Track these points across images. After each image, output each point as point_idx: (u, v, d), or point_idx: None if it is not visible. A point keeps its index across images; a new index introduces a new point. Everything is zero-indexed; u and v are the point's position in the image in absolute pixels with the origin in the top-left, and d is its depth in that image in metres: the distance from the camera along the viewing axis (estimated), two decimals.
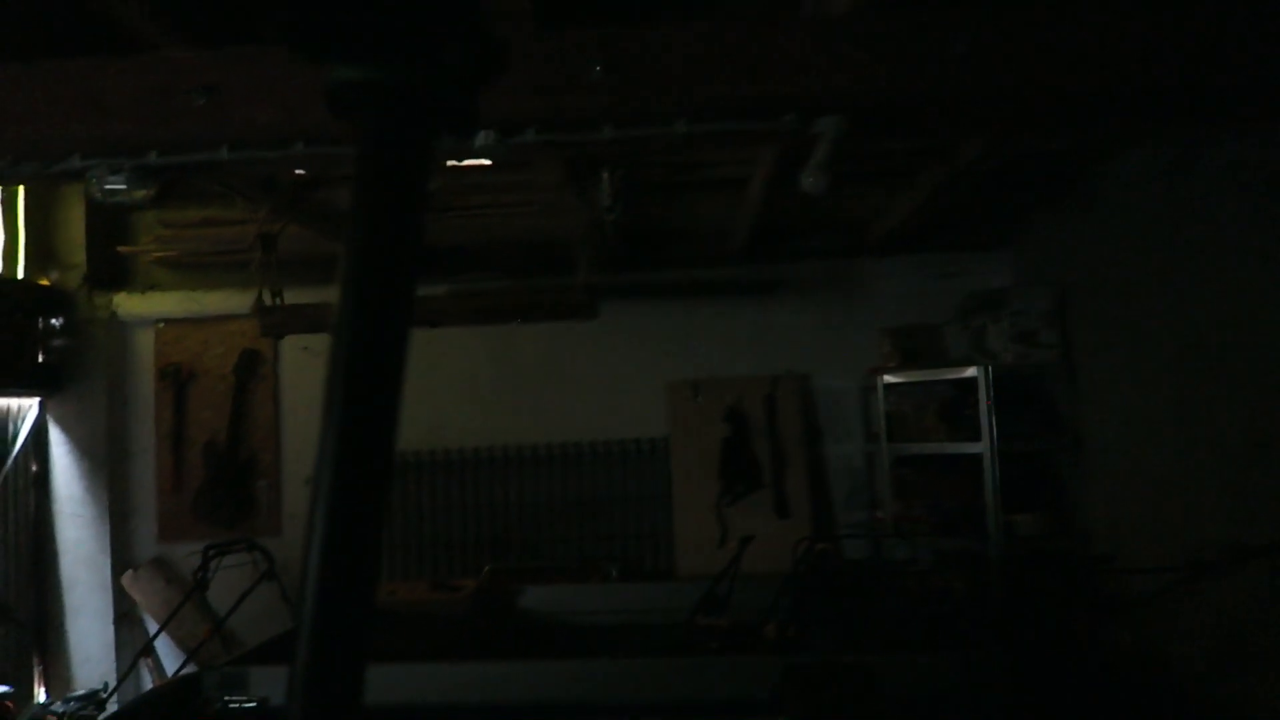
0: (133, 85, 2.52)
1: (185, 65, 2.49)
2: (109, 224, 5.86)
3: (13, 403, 5.59)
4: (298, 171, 4.19)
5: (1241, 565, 3.28)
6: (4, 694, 4.90)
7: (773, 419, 5.80)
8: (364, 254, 0.53)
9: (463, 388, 5.95)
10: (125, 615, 5.82)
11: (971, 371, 5.09)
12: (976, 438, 5.02)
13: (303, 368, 5.99)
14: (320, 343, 5.94)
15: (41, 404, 5.74)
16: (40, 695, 5.64)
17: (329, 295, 5.77)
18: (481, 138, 2.59)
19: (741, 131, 2.62)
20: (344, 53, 0.48)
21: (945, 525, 5.20)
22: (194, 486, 5.96)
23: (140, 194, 2.57)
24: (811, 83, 2.56)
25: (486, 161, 4.28)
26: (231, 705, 3.51)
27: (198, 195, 4.82)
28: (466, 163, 4.23)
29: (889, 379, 5.46)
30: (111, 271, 5.92)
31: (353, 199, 0.54)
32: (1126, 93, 2.66)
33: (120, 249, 5.83)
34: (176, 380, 5.99)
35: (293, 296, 4.94)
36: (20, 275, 5.62)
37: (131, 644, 5.78)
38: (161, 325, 6.04)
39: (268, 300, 4.69)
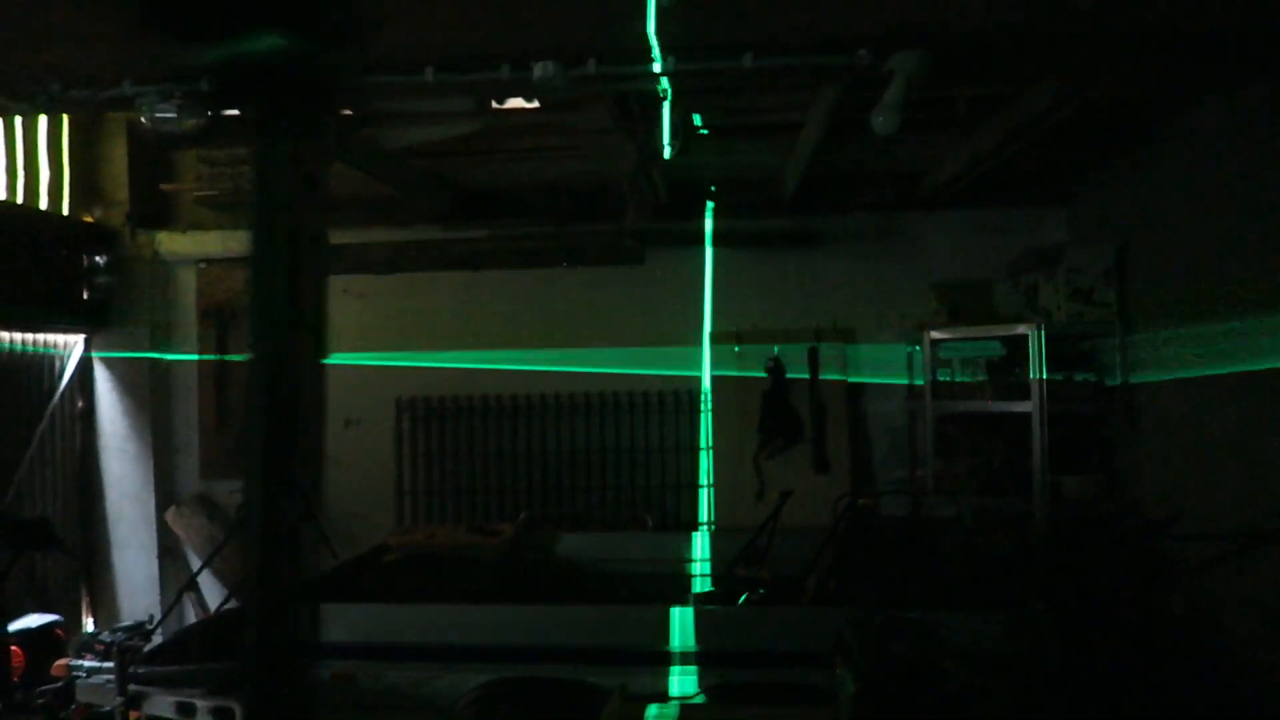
0: None
1: None
2: (152, 161, 5.85)
3: (59, 339, 5.64)
4: (345, 111, 4.12)
5: None
6: (54, 622, 5.03)
7: (815, 373, 5.72)
8: (271, 230, 0.56)
9: (502, 334, 5.92)
10: (169, 550, 5.93)
11: (1022, 329, 4.95)
12: (1025, 397, 4.90)
13: (344, 309, 5.98)
14: (358, 285, 5.93)
15: (87, 341, 5.80)
16: (88, 625, 5.78)
17: (374, 235, 5.75)
18: (539, 70, 2.50)
19: (811, 66, 2.51)
20: (220, 32, 0.46)
21: (988, 485, 5.11)
22: (236, 426, 6.01)
23: (191, 123, 2.52)
24: (888, 17, 2.44)
25: (534, 104, 4.19)
26: None
27: (241, 132, 4.77)
28: (510, 104, 4.13)
29: (936, 335, 5.34)
30: (154, 210, 5.92)
31: (255, 178, 0.55)
32: (1223, 33, 2.52)
33: (163, 187, 5.82)
34: (219, 320, 6.01)
35: (336, 237, 4.91)
36: (65, 211, 5.64)
37: (175, 578, 5.90)
38: (204, 265, 6.04)
39: None
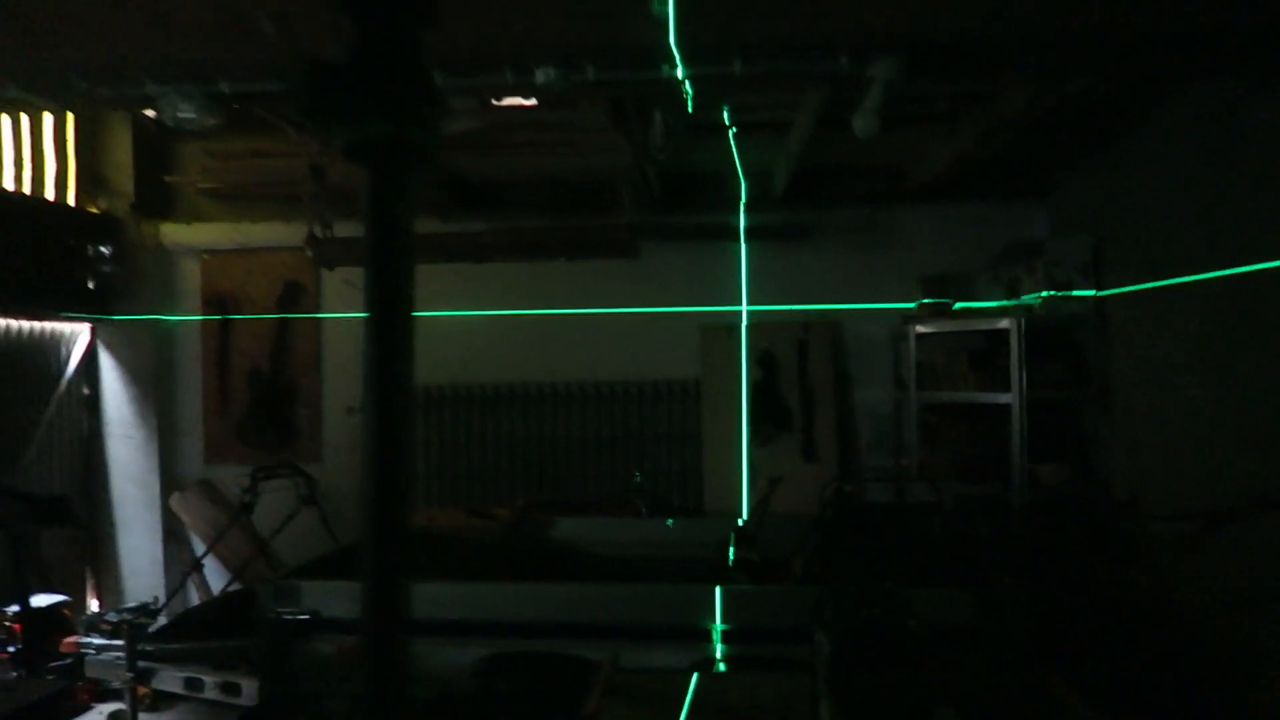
0: (203, 10, 2.58)
1: None
2: (156, 153, 5.96)
3: (65, 327, 5.76)
4: None
5: (1262, 515, 3.36)
6: (61, 602, 5.16)
7: (804, 364, 5.88)
8: (378, 244, 0.74)
9: (501, 324, 6.06)
10: (172, 533, 6.07)
11: (1004, 322, 5.12)
12: (1006, 388, 5.07)
13: (344, 300, 6.11)
14: (360, 277, 6.05)
15: (92, 329, 5.92)
16: (93, 605, 5.92)
17: None
18: (541, 75, 2.64)
19: (796, 72, 2.66)
20: (348, 119, 0.66)
21: (969, 472, 5.29)
22: (238, 412, 6.15)
23: (211, 121, 2.65)
24: (869, 24, 2.59)
25: (532, 101, 4.33)
26: (285, 616, 3.71)
27: (245, 126, 4.88)
28: (508, 101, 4.27)
29: (921, 328, 5.51)
30: (158, 200, 6.03)
31: (366, 206, 0.73)
32: (1188, 35, 2.67)
33: (167, 178, 5.93)
34: (221, 309, 6.14)
35: (340, 229, 5.04)
36: (71, 201, 5.75)
37: (177, 560, 6.04)
38: (207, 256, 6.17)
39: (318, 232, 4.79)
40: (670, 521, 5.14)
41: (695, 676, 2.67)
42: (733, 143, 4.75)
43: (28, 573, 4.08)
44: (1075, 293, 5.08)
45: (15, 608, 4.47)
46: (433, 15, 0.70)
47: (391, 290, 0.75)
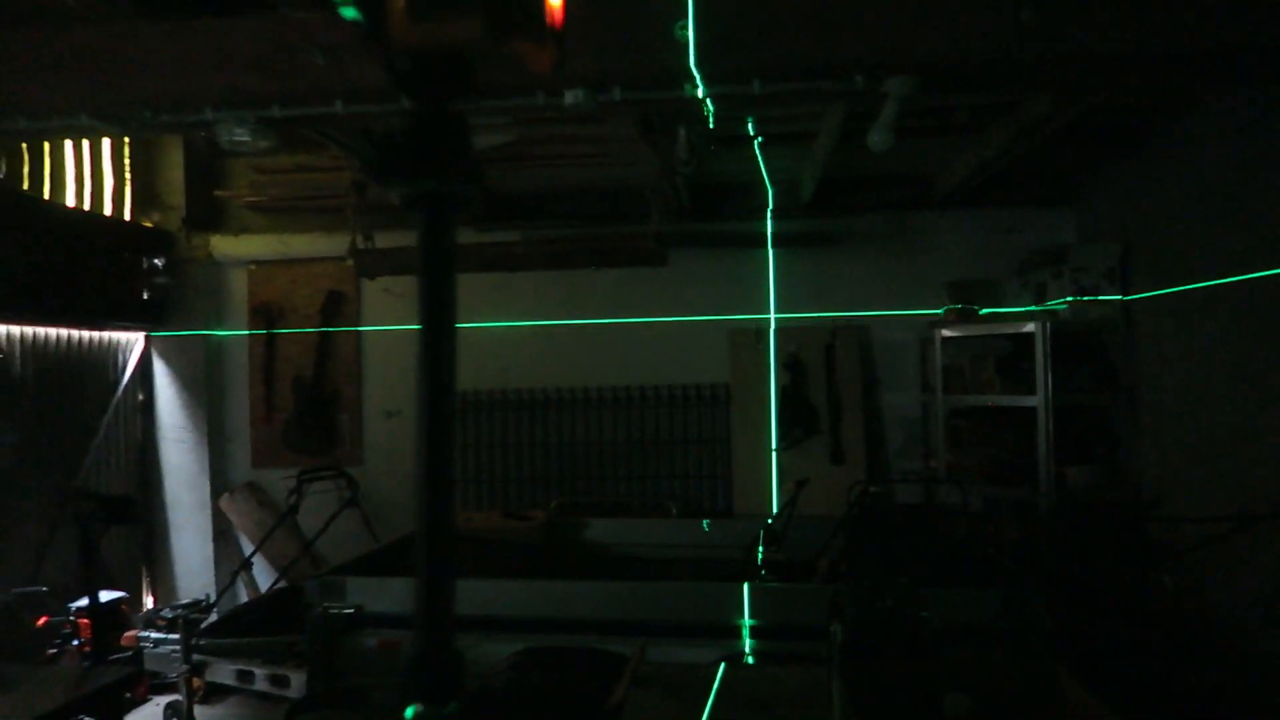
0: (258, 44, 2.78)
1: (305, 25, 2.74)
2: (205, 169, 6.22)
3: (121, 336, 6.04)
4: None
5: None
6: (120, 599, 5.43)
7: (831, 368, 5.98)
8: (429, 274, 0.91)
9: (534, 331, 6.24)
10: (222, 533, 6.32)
11: (1030, 326, 5.18)
12: (1032, 391, 5.13)
13: (383, 308, 6.33)
14: (398, 285, 6.27)
15: (147, 337, 6.20)
16: (148, 602, 6.19)
17: (411, 239, 6.08)
18: (571, 96, 2.80)
19: (814, 91, 2.78)
20: (406, 178, 0.83)
21: (997, 475, 5.35)
22: (283, 417, 6.39)
23: (263, 144, 2.85)
24: (881, 44, 2.71)
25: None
26: (332, 611, 3.89)
27: (289, 143, 5.11)
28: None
29: (947, 332, 5.58)
30: (208, 214, 6.30)
31: (420, 244, 0.90)
32: (1193, 55, 2.75)
33: (216, 193, 6.19)
34: (267, 318, 6.39)
35: (380, 240, 5.24)
36: (126, 216, 6.03)
37: (227, 559, 6.29)
38: (253, 267, 6.42)
39: (360, 243, 5.00)
40: (706, 523, 5.28)
41: (722, 667, 2.80)
42: (759, 153, 4.88)
43: (96, 570, 4.31)
44: (1102, 297, 5.13)
45: (84, 602, 4.72)
46: (473, 93, 0.85)
47: (438, 309, 0.91)
